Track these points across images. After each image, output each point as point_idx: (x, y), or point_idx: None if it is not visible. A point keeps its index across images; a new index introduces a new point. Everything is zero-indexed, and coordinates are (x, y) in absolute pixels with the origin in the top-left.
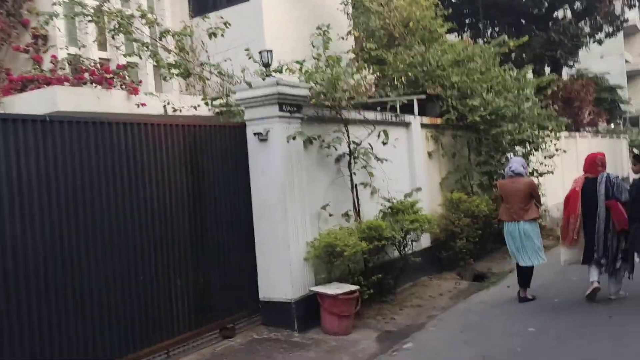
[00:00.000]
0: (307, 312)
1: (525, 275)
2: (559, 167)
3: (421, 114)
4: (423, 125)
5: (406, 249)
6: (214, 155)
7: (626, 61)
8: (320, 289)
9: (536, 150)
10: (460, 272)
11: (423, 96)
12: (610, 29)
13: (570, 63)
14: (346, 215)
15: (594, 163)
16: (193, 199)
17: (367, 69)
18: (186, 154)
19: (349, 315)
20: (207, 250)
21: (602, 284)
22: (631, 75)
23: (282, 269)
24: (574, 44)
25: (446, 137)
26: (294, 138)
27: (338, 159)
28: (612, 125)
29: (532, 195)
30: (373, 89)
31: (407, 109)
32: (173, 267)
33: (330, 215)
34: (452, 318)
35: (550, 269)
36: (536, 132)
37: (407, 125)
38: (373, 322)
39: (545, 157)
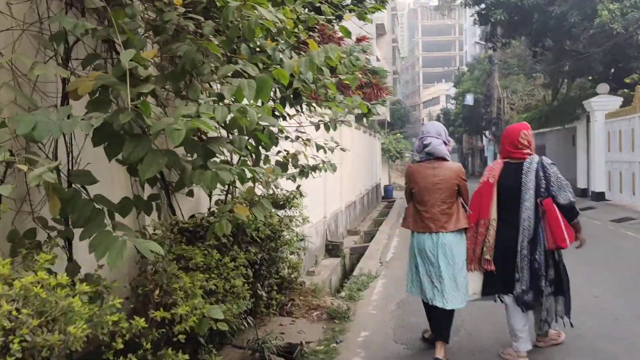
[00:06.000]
0: None
1: (442, 320)
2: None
3: None
4: None
5: None
6: None
7: (377, 59)
8: None
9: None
10: None
11: None
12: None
13: None
14: None
15: (519, 139)
16: None
17: None
18: None
19: None
20: None
21: None
22: None
23: None
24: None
25: None
26: None
27: None
28: (366, 120)
29: (460, 190)
30: None
31: None
32: None
33: None
34: None
35: None
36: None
37: None
38: None
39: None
